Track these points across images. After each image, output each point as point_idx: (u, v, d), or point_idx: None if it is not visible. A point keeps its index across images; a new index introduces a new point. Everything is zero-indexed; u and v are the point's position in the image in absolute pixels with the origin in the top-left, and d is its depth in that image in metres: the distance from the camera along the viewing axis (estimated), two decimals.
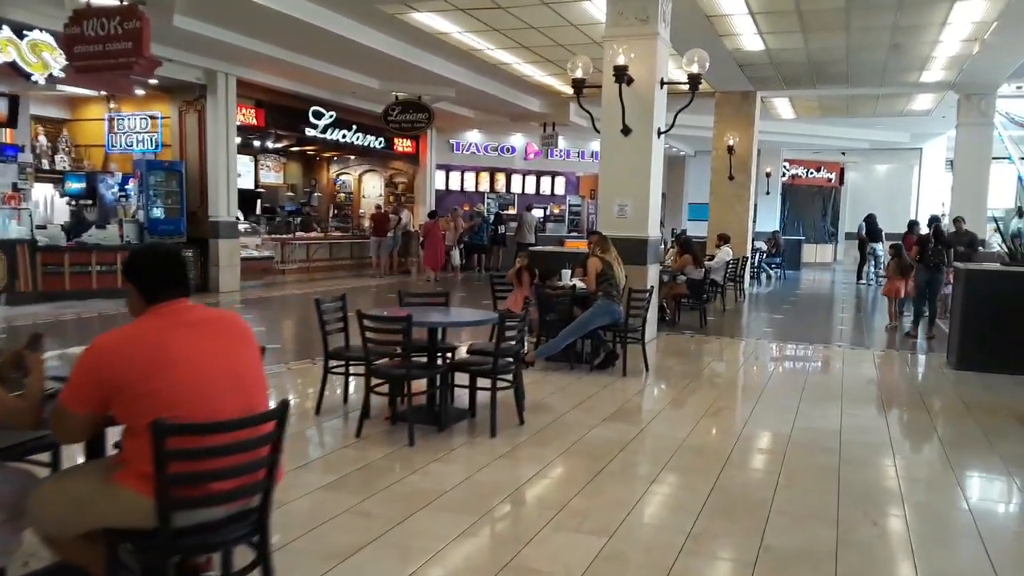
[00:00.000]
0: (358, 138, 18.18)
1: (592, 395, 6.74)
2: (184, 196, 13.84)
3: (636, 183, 9.49)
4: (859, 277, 19.81)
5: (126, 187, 14.20)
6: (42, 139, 14.55)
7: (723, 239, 13.90)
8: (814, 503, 4.32)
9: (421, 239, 18.47)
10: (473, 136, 21.97)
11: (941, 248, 10.71)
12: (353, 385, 6.28)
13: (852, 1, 10.30)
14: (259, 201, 17.88)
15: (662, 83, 9.53)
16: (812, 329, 11.78)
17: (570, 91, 12.10)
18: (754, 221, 21.37)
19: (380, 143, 19.05)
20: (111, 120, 14.67)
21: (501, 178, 22.91)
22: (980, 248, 14.11)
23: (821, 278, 21.83)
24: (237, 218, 15.49)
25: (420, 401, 5.72)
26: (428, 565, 3.39)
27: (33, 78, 10.84)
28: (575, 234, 20.48)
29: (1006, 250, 9.63)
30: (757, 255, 19.34)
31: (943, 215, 15.52)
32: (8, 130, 12.18)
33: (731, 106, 16.68)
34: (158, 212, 13.58)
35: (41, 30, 10.69)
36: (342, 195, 21.77)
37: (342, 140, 17.72)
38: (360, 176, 21.93)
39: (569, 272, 8.67)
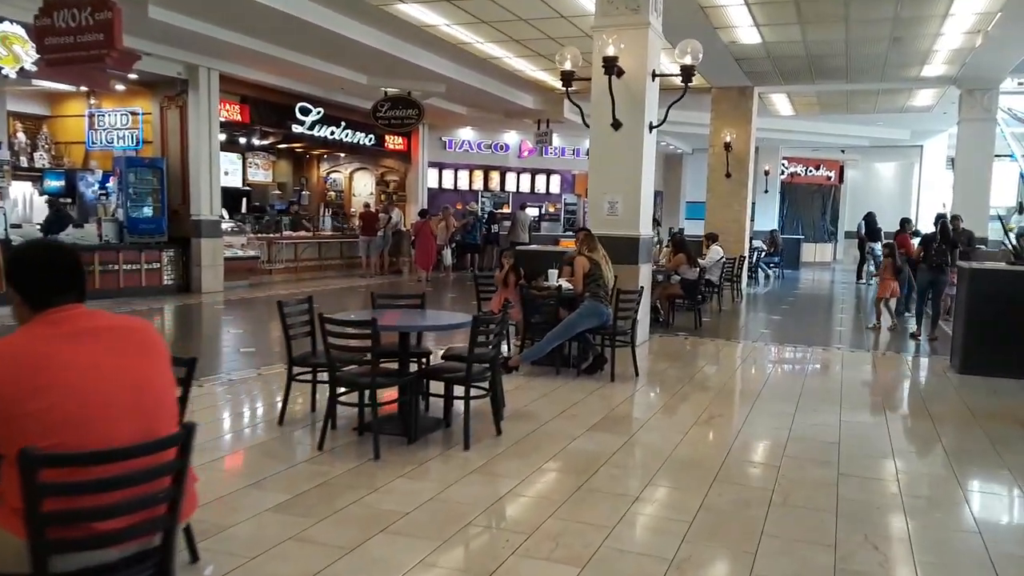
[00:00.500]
0: (347, 135, 17.81)
1: (577, 402, 6.38)
2: (165, 194, 13.48)
3: (627, 179, 9.13)
4: (859, 277, 19.46)
5: (107, 185, 13.84)
6: (20, 136, 14.18)
7: (711, 238, 13.53)
8: (810, 524, 3.96)
9: (412, 238, 18.10)
10: (466, 133, 21.59)
11: (946, 248, 10.39)
12: (320, 393, 5.90)
13: None
14: (244, 200, 17.48)
15: (654, 75, 9.16)
16: (810, 330, 11.42)
17: (565, 87, 11.79)
18: (752, 220, 21.04)
19: (370, 140, 18.67)
20: (91, 116, 14.29)
21: (495, 176, 22.53)
22: (981, 247, 13.79)
23: (820, 278, 21.47)
24: (221, 216, 15.13)
25: (393, 410, 5.37)
26: None
27: (4, 72, 10.51)
28: (570, 233, 20.07)
29: (1011, 247, 9.27)
30: (755, 254, 18.98)
31: (948, 214, 15.14)
32: None
33: (728, 102, 16.32)
34: (138, 211, 13.20)
35: (12, 22, 10.35)
36: (332, 193, 21.39)
37: (330, 137, 17.35)
38: (351, 174, 21.56)
39: (556, 272, 8.31)
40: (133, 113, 14.01)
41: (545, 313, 7.68)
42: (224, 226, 15.17)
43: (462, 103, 18.19)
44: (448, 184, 21.87)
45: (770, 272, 20.28)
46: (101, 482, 2.06)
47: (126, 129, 14.06)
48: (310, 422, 5.47)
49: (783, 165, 26.56)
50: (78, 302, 2.31)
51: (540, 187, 22.96)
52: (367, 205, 18.88)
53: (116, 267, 12.72)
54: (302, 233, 17.63)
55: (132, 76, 12.99)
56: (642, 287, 7.78)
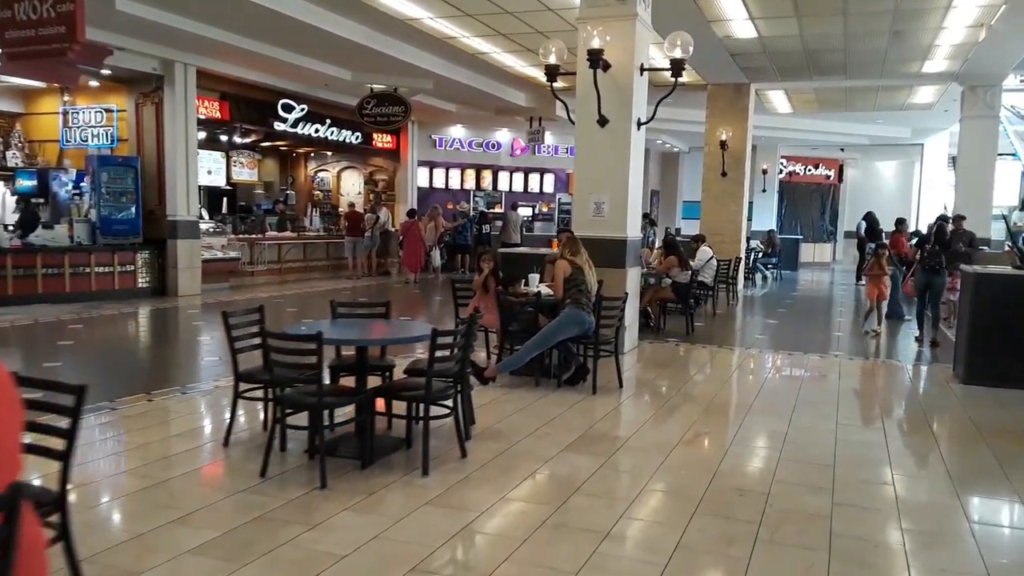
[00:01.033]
0: (332, 133, 17.35)
1: (555, 417, 5.93)
2: (140, 194, 13.02)
3: (613, 178, 8.70)
4: (858, 278, 18.96)
5: (80, 185, 13.39)
6: None
7: (699, 239, 13.10)
8: (799, 566, 3.52)
9: (400, 239, 17.65)
10: (457, 131, 21.14)
11: (939, 249, 10.02)
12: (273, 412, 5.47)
13: None
14: (225, 199, 17.04)
15: (642, 69, 8.72)
16: (807, 336, 10.97)
17: (559, 84, 11.34)
18: (749, 220, 20.61)
19: (357, 138, 18.22)
20: (65, 114, 13.85)
21: (487, 175, 22.06)
22: (984, 248, 13.37)
23: (819, 279, 21.03)
24: (200, 216, 14.70)
25: (352, 429, 4.93)
26: None
27: None
28: None
29: (1018, 251, 8.84)
30: (752, 255, 18.54)
31: (950, 215, 14.71)
32: None
33: (724, 99, 15.88)
34: (111, 211, 12.75)
35: None
36: (320, 193, 20.94)
37: (315, 135, 16.89)
38: (339, 173, 21.12)
39: (537, 276, 7.87)
40: (108, 110, 13.58)
41: (523, 321, 7.24)
42: (204, 227, 14.74)
43: (452, 100, 17.75)
44: (439, 183, 21.42)
45: (768, 273, 19.85)
46: None
47: (100, 127, 13.62)
48: (260, 443, 5.01)
49: (781, 164, 26.13)
50: None
51: (533, 186, 22.50)
52: (352, 205, 18.42)
53: (87, 270, 12.28)
54: (286, 234, 17.18)
55: (105, 72, 12.56)
56: (627, 293, 7.33)
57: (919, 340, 10.18)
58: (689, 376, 7.92)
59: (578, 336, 6.94)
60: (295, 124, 16.24)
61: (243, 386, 4.98)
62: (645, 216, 22.85)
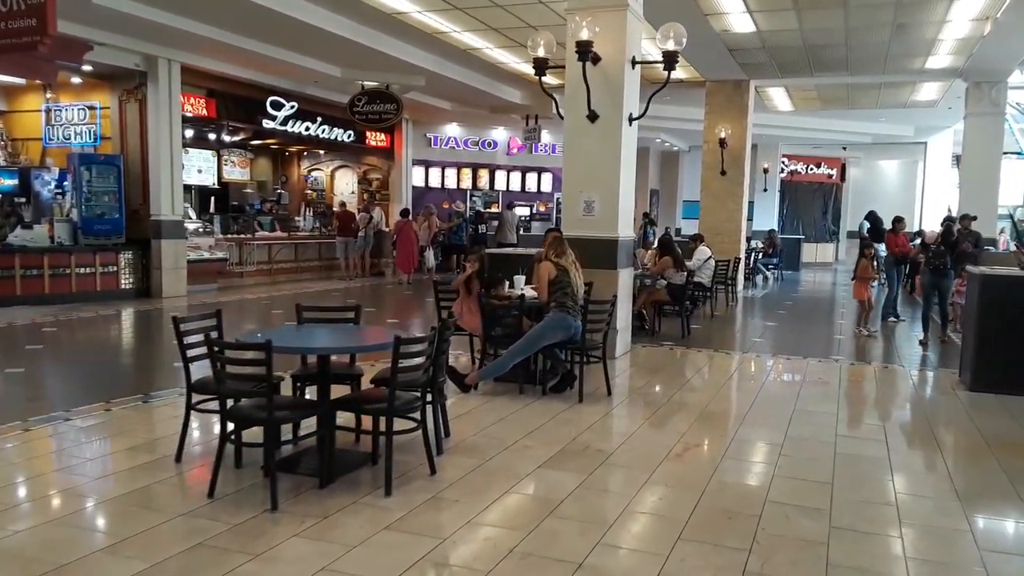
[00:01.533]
0: (324, 131, 17.00)
1: (536, 428, 5.59)
2: (123, 193, 12.69)
3: (604, 176, 8.35)
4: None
5: (63, 184, 13.05)
6: None
7: (697, 239, 12.75)
8: None
9: (393, 239, 17.31)
10: (452, 130, 20.79)
11: (944, 249, 9.69)
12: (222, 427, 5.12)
13: None
14: (213, 199, 16.72)
15: (634, 62, 8.37)
16: (808, 339, 10.61)
17: (553, 81, 10.98)
18: (750, 219, 20.25)
19: (350, 137, 17.88)
20: (48, 111, 13.53)
21: (484, 174, 21.70)
22: (990, 248, 13.02)
23: (821, 279, 20.67)
24: (188, 216, 14.39)
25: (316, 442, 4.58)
26: None
27: None
28: None
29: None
30: (752, 255, 18.18)
31: (955, 216, 14.34)
32: None
33: (723, 96, 15.54)
34: (93, 210, 12.42)
35: None
36: (313, 192, 20.60)
37: (305, 133, 16.54)
38: (332, 172, 20.77)
39: (523, 278, 7.53)
40: (91, 108, 13.26)
41: (506, 325, 6.89)
42: (191, 227, 14.42)
43: (445, 98, 17.42)
44: (435, 182, 21.06)
45: (768, 274, 19.48)
46: None
47: (84, 124, 13.30)
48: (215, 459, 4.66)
49: (783, 163, 25.77)
50: None
51: (531, 185, 22.14)
52: (343, 204, 18.08)
53: (68, 271, 11.96)
54: (277, 234, 16.85)
55: (86, 68, 12.25)
56: (615, 296, 6.97)
57: (923, 343, 9.86)
58: (682, 383, 7.56)
59: (564, 341, 6.60)
60: (285, 122, 15.89)
61: (198, 397, 4.63)
62: (645, 216, 22.62)
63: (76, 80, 13.01)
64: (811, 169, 26.72)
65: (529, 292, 7.13)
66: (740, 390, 7.53)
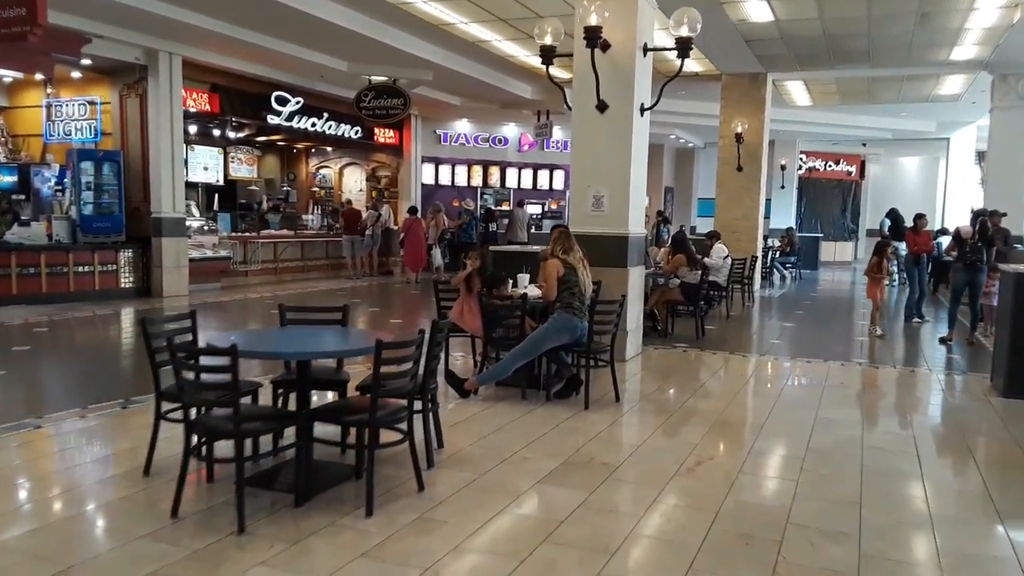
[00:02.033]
0: (330, 127, 16.65)
1: (537, 438, 5.20)
2: (123, 190, 12.41)
3: (614, 169, 7.95)
4: None
5: (64, 180, 12.78)
6: None
7: (714, 236, 12.35)
8: None
9: (401, 237, 16.96)
10: (462, 126, 20.40)
11: (981, 245, 9.24)
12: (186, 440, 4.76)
13: None
14: (217, 196, 16.44)
15: (645, 50, 7.96)
16: (828, 341, 10.15)
17: (563, 75, 10.59)
18: (767, 217, 19.79)
19: (356, 133, 17.52)
20: (49, 107, 13.27)
21: (495, 172, 21.30)
22: (1018, 246, 12.50)
23: (840, 278, 20.16)
24: (191, 213, 14.12)
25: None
26: None
27: None
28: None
29: None
30: (769, 254, 17.71)
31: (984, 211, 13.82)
32: None
33: (739, 89, 15.09)
34: (92, 207, 12.15)
35: None
36: (321, 190, 20.29)
37: (311, 129, 16.19)
38: (341, 169, 20.46)
39: (527, 276, 7.15)
40: (91, 103, 12.98)
41: (508, 326, 6.50)
42: (195, 224, 14.14)
43: (454, 93, 17.05)
44: (445, 180, 20.67)
45: (786, 272, 18.99)
46: None
47: (84, 120, 13.03)
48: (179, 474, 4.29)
49: (801, 159, 25.25)
50: None
51: (542, 183, 21.73)
52: (349, 202, 17.74)
53: (66, 269, 11.68)
54: (282, 232, 16.53)
55: (85, 61, 11.98)
56: (624, 295, 6.57)
57: (945, 341, 9.51)
58: (695, 388, 7.14)
59: (569, 344, 6.21)
60: (290, 118, 15.55)
61: (169, 405, 4.27)
62: (659, 214, 22.17)
63: (76, 74, 12.74)
64: (830, 166, 26.20)
65: (532, 292, 6.75)
66: (757, 396, 7.11)
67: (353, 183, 20.46)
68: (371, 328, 10.64)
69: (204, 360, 3.86)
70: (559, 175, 21.50)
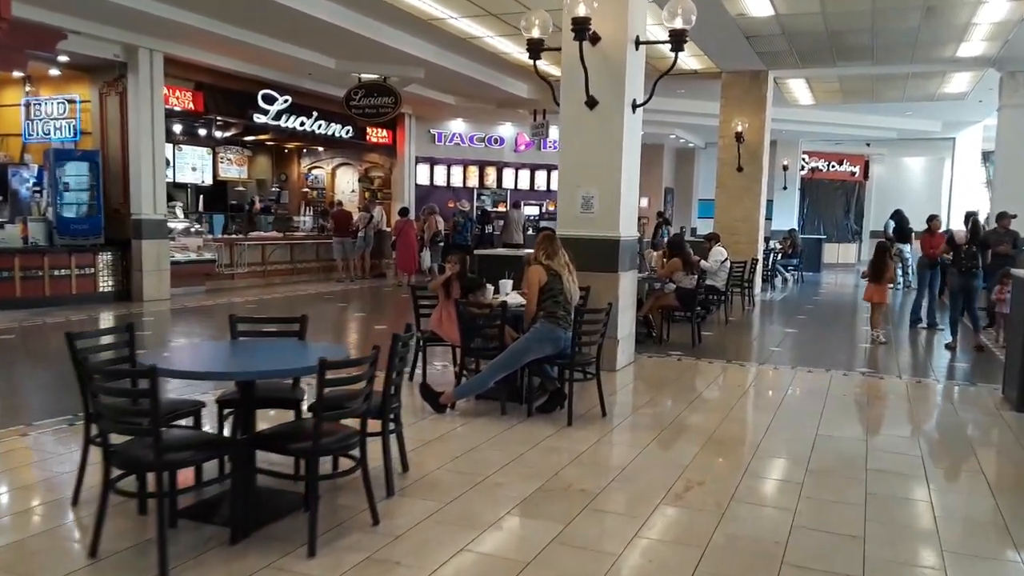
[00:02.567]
0: (320, 126, 16.25)
1: (513, 460, 4.79)
2: (101, 191, 12.02)
3: (604, 169, 7.54)
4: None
5: (42, 181, 12.40)
6: None
7: (712, 238, 11.96)
8: None
9: (393, 239, 16.56)
10: (457, 125, 19.98)
11: (976, 250, 9.00)
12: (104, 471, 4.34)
13: None
14: (202, 196, 16.08)
15: (637, 43, 7.55)
16: (831, 348, 9.72)
17: (556, 71, 10.16)
18: (769, 219, 19.38)
19: (348, 133, 17.13)
20: (28, 105, 12.89)
21: (491, 172, 20.88)
22: None
23: (843, 281, 19.72)
24: (175, 215, 13.74)
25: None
26: None
27: None
28: None
29: None
30: (771, 256, 17.28)
31: (979, 213, 13.42)
32: None
33: (740, 87, 14.68)
34: (70, 209, 11.77)
35: None
36: (313, 191, 19.89)
37: (300, 129, 15.80)
38: (333, 170, 20.06)
39: (510, 282, 6.75)
40: (70, 101, 12.59)
41: (487, 336, 6.10)
42: (179, 226, 13.77)
43: (448, 91, 16.67)
44: (440, 181, 20.25)
45: (788, 275, 18.56)
46: None
47: (63, 119, 12.65)
48: (119, 503, 3.85)
49: (803, 160, 24.83)
50: None
51: (540, 183, 21.33)
52: (339, 203, 17.34)
53: (41, 273, 11.28)
54: (271, 234, 16.15)
55: (62, 58, 11.60)
56: (610, 304, 6.15)
57: (951, 348, 9.22)
58: (688, 400, 6.72)
59: (552, 355, 5.80)
60: (278, 116, 15.16)
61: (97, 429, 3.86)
62: (659, 215, 21.76)
63: (55, 72, 12.35)
64: (833, 166, 25.79)
65: (515, 299, 6.35)
66: (755, 409, 6.69)
67: (346, 184, 20.07)
68: (343, 337, 10.26)
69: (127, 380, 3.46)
70: (556, 176, 21.07)
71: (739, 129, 14.46)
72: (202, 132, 15.00)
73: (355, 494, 3.92)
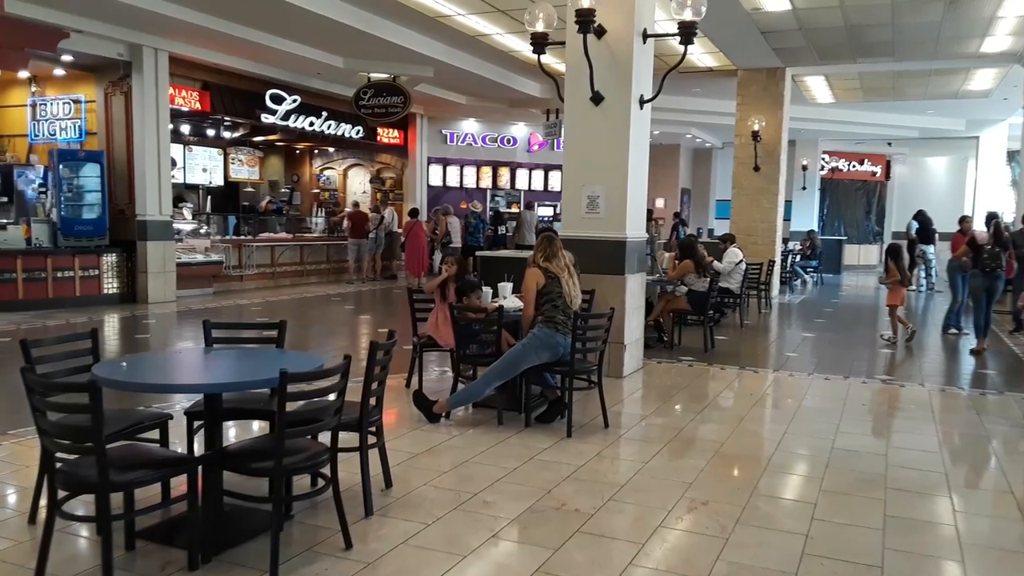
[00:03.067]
0: (330, 126, 16.05)
1: (505, 475, 4.51)
2: (106, 191, 11.88)
3: (610, 167, 7.24)
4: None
5: (48, 181, 12.27)
6: None
7: (728, 239, 11.63)
8: None
9: (402, 241, 16.34)
10: (469, 126, 19.73)
11: (999, 251, 8.72)
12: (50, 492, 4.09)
13: None
14: (210, 197, 15.94)
15: (645, 36, 7.24)
16: (850, 353, 9.32)
17: (563, 67, 9.90)
18: (787, 219, 18.99)
19: (358, 133, 16.92)
20: (33, 106, 12.78)
21: (504, 173, 20.61)
22: None
23: (864, 283, 19.28)
24: (183, 216, 13.59)
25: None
26: None
27: None
28: None
29: None
30: (789, 257, 16.89)
31: (1002, 214, 13.00)
32: None
33: (756, 85, 14.34)
34: (74, 210, 11.62)
35: None
36: (325, 192, 19.72)
37: (309, 129, 15.60)
38: (345, 171, 19.89)
39: (509, 285, 6.48)
40: (75, 101, 12.48)
41: (483, 342, 5.82)
42: (187, 227, 13.63)
43: (459, 90, 16.44)
44: (453, 182, 20.01)
45: (807, 277, 18.14)
46: None
47: (69, 119, 12.53)
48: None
49: (823, 159, 24.36)
50: None
51: (554, 184, 21.02)
52: (356, 204, 17.14)
53: (44, 274, 11.15)
54: (280, 235, 15.98)
55: (65, 58, 11.47)
56: (612, 309, 5.84)
57: (978, 352, 9.00)
58: (697, 410, 6.40)
59: (550, 363, 5.51)
60: (286, 116, 14.98)
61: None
62: (676, 215, 21.41)
63: (59, 72, 12.24)
64: (853, 166, 25.29)
65: (514, 303, 6.07)
66: (767, 420, 6.36)
67: (357, 185, 19.89)
68: (344, 340, 10.02)
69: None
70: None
71: (756, 128, 14.10)
72: (211, 133, 14.85)
73: (333, 514, 3.66)
